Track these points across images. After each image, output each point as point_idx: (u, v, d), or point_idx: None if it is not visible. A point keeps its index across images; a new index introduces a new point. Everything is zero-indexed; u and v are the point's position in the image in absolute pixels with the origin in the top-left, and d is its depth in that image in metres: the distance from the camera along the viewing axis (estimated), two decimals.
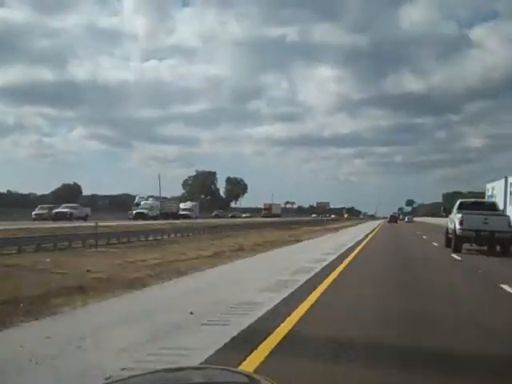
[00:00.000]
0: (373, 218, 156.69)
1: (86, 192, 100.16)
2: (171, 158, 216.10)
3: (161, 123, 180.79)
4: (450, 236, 20.71)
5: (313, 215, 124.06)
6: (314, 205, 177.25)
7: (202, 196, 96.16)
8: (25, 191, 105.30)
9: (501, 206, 23.37)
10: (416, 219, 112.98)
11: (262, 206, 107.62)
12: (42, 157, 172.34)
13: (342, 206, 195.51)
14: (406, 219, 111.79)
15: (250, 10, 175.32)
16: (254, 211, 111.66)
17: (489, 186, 32.10)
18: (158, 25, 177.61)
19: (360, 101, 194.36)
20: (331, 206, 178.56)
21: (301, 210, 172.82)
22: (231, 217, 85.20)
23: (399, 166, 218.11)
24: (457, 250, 19.09)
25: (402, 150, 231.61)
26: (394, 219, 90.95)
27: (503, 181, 27.05)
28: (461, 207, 21.08)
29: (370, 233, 36.84)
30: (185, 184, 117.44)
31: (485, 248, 19.50)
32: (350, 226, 55.15)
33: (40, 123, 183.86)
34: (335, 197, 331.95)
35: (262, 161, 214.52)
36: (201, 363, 4.37)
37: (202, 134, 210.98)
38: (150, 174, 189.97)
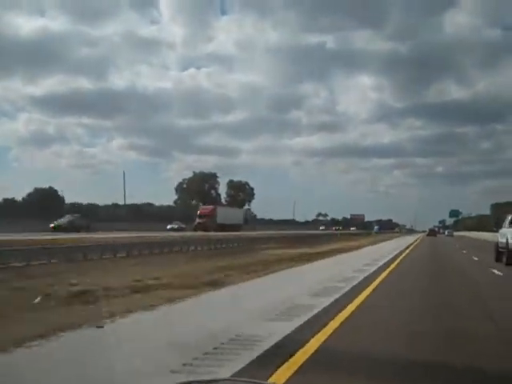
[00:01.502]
0: (411, 231, 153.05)
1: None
2: (210, 168, 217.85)
3: (199, 133, 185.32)
4: (501, 250, 21.80)
5: (321, 227, 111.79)
6: (348, 217, 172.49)
7: (194, 202, 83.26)
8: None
9: None
10: (458, 234, 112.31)
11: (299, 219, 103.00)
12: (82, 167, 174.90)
13: (379, 218, 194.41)
14: (446, 233, 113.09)
15: (288, 17, 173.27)
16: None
17: None
18: (196, 33, 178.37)
19: (400, 110, 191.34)
20: (368, 219, 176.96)
21: (333, 223, 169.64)
22: None
23: (440, 178, 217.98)
24: (509, 264, 19.96)
25: (443, 160, 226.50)
26: (433, 233, 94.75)
27: None
28: None
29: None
30: (179, 188, 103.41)
31: None
32: (367, 244, 40.06)
33: (80, 133, 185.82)
34: (373, 209, 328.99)
35: (301, 172, 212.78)
36: None
37: (240, 144, 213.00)
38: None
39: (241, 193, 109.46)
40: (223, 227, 61.51)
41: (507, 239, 20.71)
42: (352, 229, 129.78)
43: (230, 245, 31.38)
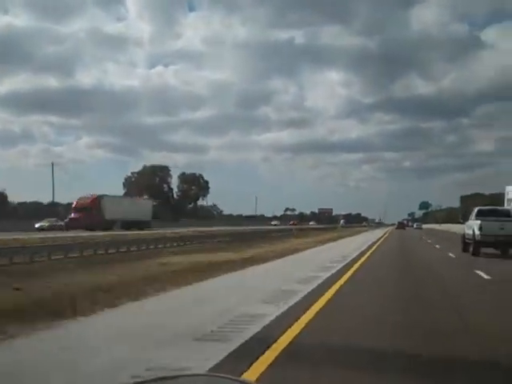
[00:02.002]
0: (380, 225, 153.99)
1: None
2: (179, 165, 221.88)
3: (168, 130, 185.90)
4: (468, 241, 23.43)
5: (273, 223, 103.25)
6: (316, 211, 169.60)
7: (146, 197, 75.54)
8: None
9: None
10: (427, 226, 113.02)
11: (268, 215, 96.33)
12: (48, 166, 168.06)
13: (348, 212, 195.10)
14: (415, 226, 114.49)
15: (256, 12, 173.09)
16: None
17: (508, 188, 32.84)
18: (163, 30, 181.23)
19: (369, 105, 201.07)
20: (336, 213, 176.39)
21: (302, 217, 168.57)
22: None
23: (409, 172, 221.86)
24: (475, 254, 21.56)
25: (411, 154, 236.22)
26: (402, 226, 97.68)
27: None
28: (479, 214, 23.16)
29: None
30: (127, 182, 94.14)
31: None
32: (324, 242, 32.41)
33: (46, 131, 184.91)
34: (342, 203, 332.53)
35: (270, 167, 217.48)
36: None
37: (209, 141, 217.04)
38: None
39: (194, 186, 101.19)
40: (119, 223, 51.45)
41: (473, 231, 22.16)
42: (311, 223, 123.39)
43: (110, 250, 21.49)
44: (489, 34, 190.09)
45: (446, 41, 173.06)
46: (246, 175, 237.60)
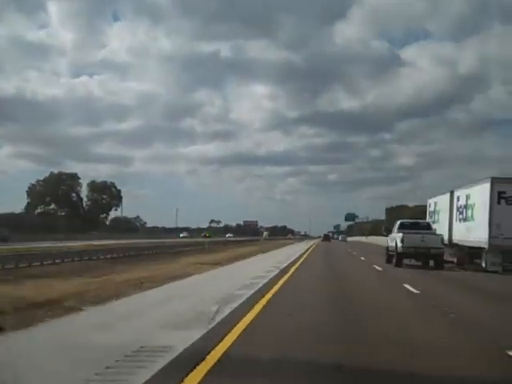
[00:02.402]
0: (306, 237, 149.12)
1: None
2: (103, 176, 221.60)
3: (93, 141, 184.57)
4: (391, 253, 24.91)
5: (181, 235, 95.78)
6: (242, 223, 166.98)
7: (53, 206, 68.29)
8: None
9: (445, 221, 26.81)
10: (353, 239, 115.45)
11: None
12: None
13: (275, 224, 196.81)
14: (340, 238, 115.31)
15: (181, 24, 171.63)
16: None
17: (431, 201, 32.56)
18: (88, 39, 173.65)
19: (294, 119, 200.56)
20: (262, 225, 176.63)
21: (227, 229, 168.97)
22: None
23: (334, 185, 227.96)
24: (398, 265, 22.90)
25: (337, 168, 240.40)
26: (327, 238, 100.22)
27: (448, 195, 27.40)
28: (401, 227, 24.90)
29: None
30: (31, 190, 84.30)
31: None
32: (238, 257, 28.66)
33: None
34: (269, 216, 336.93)
35: (196, 180, 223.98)
36: None
37: (134, 153, 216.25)
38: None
39: (105, 195, 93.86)
40: None
41: (396, 243, 23.61)
42: (228, 235, 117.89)
43: None
44: (408, 53, 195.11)
45: (368, 57, 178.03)
46: (172, 187, 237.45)
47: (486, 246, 20.59)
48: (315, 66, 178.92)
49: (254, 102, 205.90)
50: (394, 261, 23.39)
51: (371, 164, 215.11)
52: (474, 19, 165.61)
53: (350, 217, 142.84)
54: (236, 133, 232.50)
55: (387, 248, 26.09)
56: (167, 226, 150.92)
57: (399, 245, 22.92)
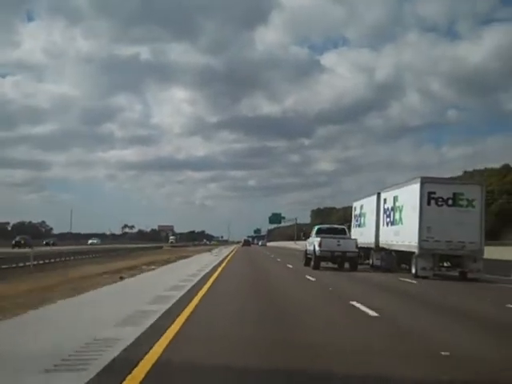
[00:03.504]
0: (225, 242, 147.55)
1: None
2: (20, 182, 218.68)
3: (7, 145, 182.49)
4: (309, 256, 26.73)
5: (90, 241, 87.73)
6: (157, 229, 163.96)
7: None
8: None
9: (372, 223, 27.22)
10: (274, 244, 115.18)
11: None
12: None
13: (192, 229, 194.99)
14: (260, 243, 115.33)
15: (99, 26, 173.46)
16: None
17: (356, 204, 32.85)
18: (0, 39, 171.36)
19: (214, 124, 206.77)
20: (181, 231, 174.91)
21: (142, 235, 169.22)
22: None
23: (254, 190, 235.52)
24: (316, 268, 24.59)
25: (256, 173, 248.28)
26: (247, 243, 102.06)
27: (374, 197, 27.48)
28: (318, 232, 27.17)
29: None
30: None
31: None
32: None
33: None
34: (188, 221, 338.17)
35: (115, 185, 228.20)
36: None
37: (53, 157, 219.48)
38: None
39: None
40: None
41: (314, 247, 25.37)
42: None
43: None
44: (327, 59, 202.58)
45: (289, 63, 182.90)
46: (90, 192, 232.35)
47: (416, 250, 20.09)
48: (235, 70, 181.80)
49: (174, 107, 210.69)
50: (312, 263, 25.26)
51: (291, 169, 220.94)
52: (390, 28, 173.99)
53: (275, 218, 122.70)
54: (156, 138, 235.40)
55: (305, 251, 28.30)
56: (83, 231, 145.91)
57: (317, 248, 24.88)
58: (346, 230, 28.51)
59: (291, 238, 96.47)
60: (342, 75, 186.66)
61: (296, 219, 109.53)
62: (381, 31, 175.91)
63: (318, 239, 25.08)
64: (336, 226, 32.18)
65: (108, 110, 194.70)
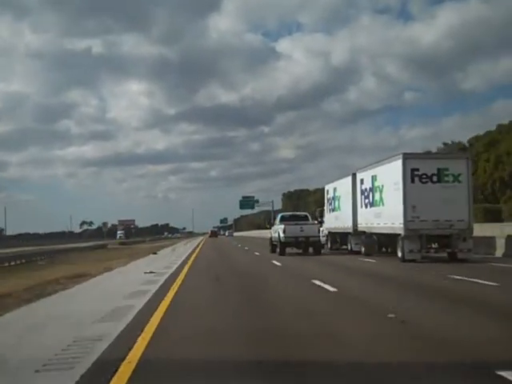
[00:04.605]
0: (191, 234, 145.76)
1: None
2: None
3: None
4: (275, 243, 28.59)
5: None
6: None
7: None
8: None
9: (349, 206, 26.56)
10: (241, 234, 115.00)
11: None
12: None
13: (156, 223, 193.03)
14: (227, 234, 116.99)
15: (48, 19, 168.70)
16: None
17: (328, 186, 32.14)
18: None
19: (173, 116, 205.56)
20: (144, 225, 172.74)
21: (101, 232, 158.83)
22: None
23: (215, 180, 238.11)
24: (282, 254, 26.02)
25: (218, 163, 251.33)
26: (214, 234, 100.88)
27: (349, 179, 26.99)
28: (282, 219, 28.61)
29: None
30: None
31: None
32: None
33: None
34: (152, 215, 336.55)
35: (75, 182, 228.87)
36: None
37: (8, 157, 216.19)
38: None
39: None
40: None
41: (279, 234, 26.93)
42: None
43: None
44: (282, 45, 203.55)
45: (244, 50, 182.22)
46: (50, 191, 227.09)
47: (401, 232, 19.14)
48: (190, 60, 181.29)
49: (130, 100, 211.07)
50: (278, 250, 26.95)
51: (252, 158, 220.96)
52: (344, 11, 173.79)
53: (247, 203, 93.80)
54: (114, 132, 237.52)
55: (271, 239, 30.12)
56: (43, 231, 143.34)
57: (282, 235, 26.54)
58: (309, 216, 30.11)
59: (260, 227, 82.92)
60: (297, 61, 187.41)
61: (273, 201, 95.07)
62: (334, 15, 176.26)
63: (282, 226, 26.74)
64: (298, 213, 34.54)
65: (63, 107, 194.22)
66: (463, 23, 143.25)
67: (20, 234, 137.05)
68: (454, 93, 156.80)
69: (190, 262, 22.42)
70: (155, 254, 34.87)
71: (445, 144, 53.82)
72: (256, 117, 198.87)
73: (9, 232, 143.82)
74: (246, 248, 37.46)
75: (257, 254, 29.08)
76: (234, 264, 21.75)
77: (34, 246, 62.73)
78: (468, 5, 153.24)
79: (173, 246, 51.14)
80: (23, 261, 35.45)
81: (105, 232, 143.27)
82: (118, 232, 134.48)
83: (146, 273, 16.69)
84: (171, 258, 28.02)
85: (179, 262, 22.54)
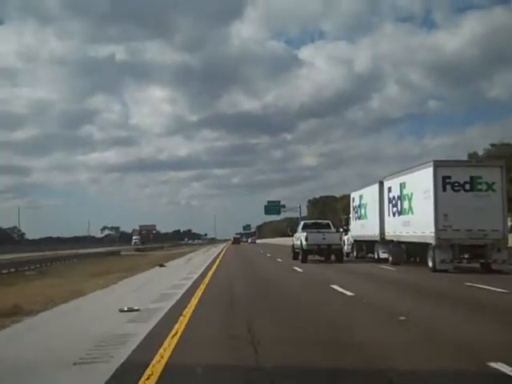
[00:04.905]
0: (213, 240, 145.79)
1: None
2: (1, 188, 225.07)
3: None
4: (297, 250, 28.99)
5: None
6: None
7: None
8: None
9: (375, 214, 26.00)
10: (264, 241, 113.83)
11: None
12: None
13: (178, 229, 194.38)
14: (249, 241, 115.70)
15: (72, 26, 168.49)
16: None
17: (354, 194, 31.63)
18: None
19: (195, 123, 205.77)
20: (165, 230, 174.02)
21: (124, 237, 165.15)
22: None
23: (238, 187, 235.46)
24: (304, 261, 26.47)
25: (240, 171, 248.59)
26: (237, 241, 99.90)
27: (376, 186, 26.47)
28: (304, 227, 29.36)
29: None
30: None
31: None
32: None
33: None
34: (174, 221, 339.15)
35: (98, 188, 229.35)
36: None
37: (33, 162, 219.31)
38: None
39: None
40: None
41: (301, 241, 27.46)
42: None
43: None
44: (305, 53, 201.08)
45: (266, 58, 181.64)
46: (73, 196, 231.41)
47: (432, 242, 18.64)
48: (213, 67, 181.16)
49: (153, 107, 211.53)
50: (300, 257, 27.38)
51: (274, 165, 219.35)
52: (367, 19, 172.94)
53: (272, 208, 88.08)
54: (136, 139, 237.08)
55: (293, 246, 30.63)
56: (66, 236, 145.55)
57: (304, 243, 27.07)
58: (331, 224, 30.69)
59: (284, 234, 76.84)
60: (320, 68, 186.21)
61: (300, 207, 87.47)
62: (357, 23, 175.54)
63: (305, 234, 27.38)
64: (320, 220, 35.18)
65: (86, 112, 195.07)
66: (487, 31, 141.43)
67: (41, 239, 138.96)
68: (477, 102, 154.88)
69: (205, 281, 16.32)
70: (163, 266, 27.14)
71: (492, 145, 52.16)
72: (278, 124, 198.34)
73: (32, 236, 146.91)
74: (269, 255, 38.15)
75: (279, 260, 29.85)
76: (259, 272, 21.36)
77: (50, 251, 62.98)
78: (492, 13, 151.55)
79: (189, 255, 45.41)
80: (12, 270, 30.91)
81: (116, 237, 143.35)
82: (134, 237, 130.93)
83: (122, 311, 9.81)
84: (182, 273, 21.13)
85: (190, 283, 15.96)
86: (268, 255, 38.01)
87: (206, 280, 16.74)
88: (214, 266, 25.12)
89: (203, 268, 23.77)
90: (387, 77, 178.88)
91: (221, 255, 40.64)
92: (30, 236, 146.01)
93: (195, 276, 18.75)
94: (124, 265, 30.87)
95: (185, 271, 22.11)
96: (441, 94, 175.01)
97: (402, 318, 8.40)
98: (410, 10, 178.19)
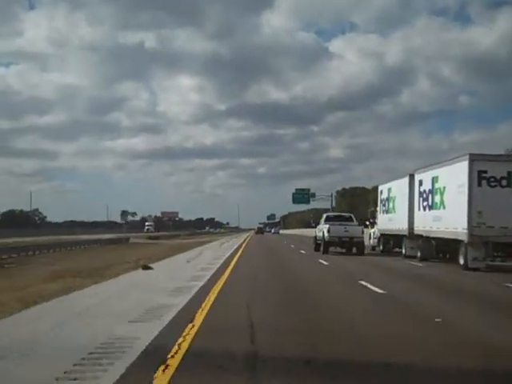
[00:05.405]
0: (236, 230, 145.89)
1: None
2: (29, 172, 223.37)
3: (13, 135, 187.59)
4: (319, 242, 29.64)
5: None
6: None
7: None
8: None
9: (404, 208, 25.22)
10: (288, 232, 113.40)
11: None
12: None
13: (201, 217, 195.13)
14: (273, 231, 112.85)
15: (103, 12, 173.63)
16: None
17: (382, 187, 31.24)
18: (1, 27, 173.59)
19: (222, 111, 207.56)
20: (190, 218, 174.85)
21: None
22: None
23: (263, 178, 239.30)
24: (325, 252, 27.39)
25: (265, 161, 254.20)
26: (260, 231, 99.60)
27: (406, 179, 25.65)
28: (327, 219, 30.04)
29: None
30: None
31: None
32: None
33: None
34: (198, 209, 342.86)
35: (124, 174, 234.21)
36: None
37: (60, 147, 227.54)
38: (6, 189, 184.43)
39: None
40: None
41: (323, 233, 28.15)
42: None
43: None
44: (335, 45, 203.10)
45: (296, 49, 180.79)
46: (99, 181, 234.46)
47: (465, 238, 18.05)
48: (242, 56, 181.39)
49: (181, 95, 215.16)
50: (322, 248, 28.21)
51: (300, 156, 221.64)
52: (399, 12, 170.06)
53: (301, 197, 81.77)
54: (163, 126, 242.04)
55: (315, 237, 31.27)
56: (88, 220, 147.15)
57: (326, 235, 27.78)
58: (353, 217, 31.42)
59: (309, 225, 66.25)
60: (350, 61, 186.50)
61: (332, 195, 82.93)
62: (389, 16, 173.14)
63: (327, 226, 28.12)
64: (343, 213, 36.17)
65: (115, 99, 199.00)
66: None
67: (64, 222, 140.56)
68: (510, 98, 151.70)
69: (211, 296, 10.16)
70: (148, 268, 17.14)
71: None
72: (306, 116, 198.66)
73: (56, 219, 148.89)
74: (292, 246, 38.78)
75: (302, 252, 30.23)
76: (283, 261, 21.38)
77: (59, 236, 63.33)
78: None
79: (202, 247, 37.64)
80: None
81: (124, 224, 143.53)
82: (146, 224, 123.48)
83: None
84: (178, 280, 13.37)
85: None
86: (292, 246, 38.63)
87: (213, 294, 10.59)
88: (232, 264, 19.29)
89: (216, 267, 17.64)
90: (418, 71, 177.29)
91: (241, 249, 33.08)
92: (54, 219, 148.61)
93: (200, 283, 12.52)
94: (100, 261, 23.43)
95: (182, 278, 13.89)
96: (472, 89, 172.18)
97: (438, 319, 8.03)
98: (444, 4, 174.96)
